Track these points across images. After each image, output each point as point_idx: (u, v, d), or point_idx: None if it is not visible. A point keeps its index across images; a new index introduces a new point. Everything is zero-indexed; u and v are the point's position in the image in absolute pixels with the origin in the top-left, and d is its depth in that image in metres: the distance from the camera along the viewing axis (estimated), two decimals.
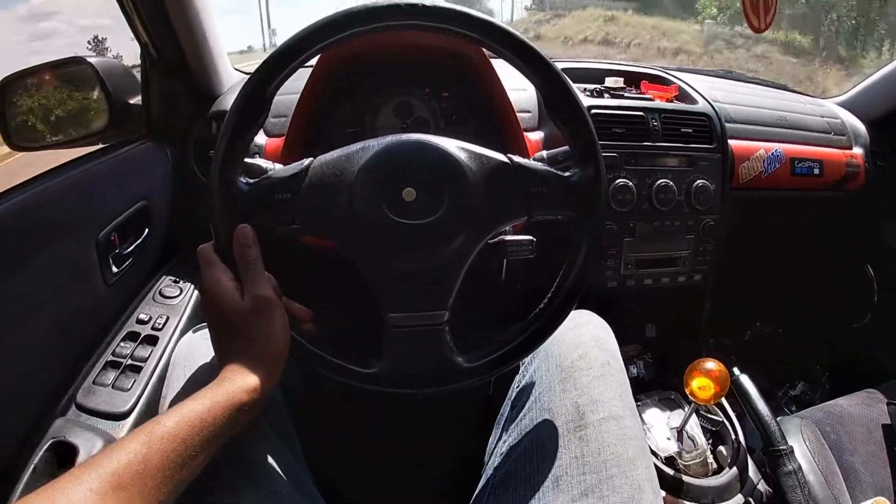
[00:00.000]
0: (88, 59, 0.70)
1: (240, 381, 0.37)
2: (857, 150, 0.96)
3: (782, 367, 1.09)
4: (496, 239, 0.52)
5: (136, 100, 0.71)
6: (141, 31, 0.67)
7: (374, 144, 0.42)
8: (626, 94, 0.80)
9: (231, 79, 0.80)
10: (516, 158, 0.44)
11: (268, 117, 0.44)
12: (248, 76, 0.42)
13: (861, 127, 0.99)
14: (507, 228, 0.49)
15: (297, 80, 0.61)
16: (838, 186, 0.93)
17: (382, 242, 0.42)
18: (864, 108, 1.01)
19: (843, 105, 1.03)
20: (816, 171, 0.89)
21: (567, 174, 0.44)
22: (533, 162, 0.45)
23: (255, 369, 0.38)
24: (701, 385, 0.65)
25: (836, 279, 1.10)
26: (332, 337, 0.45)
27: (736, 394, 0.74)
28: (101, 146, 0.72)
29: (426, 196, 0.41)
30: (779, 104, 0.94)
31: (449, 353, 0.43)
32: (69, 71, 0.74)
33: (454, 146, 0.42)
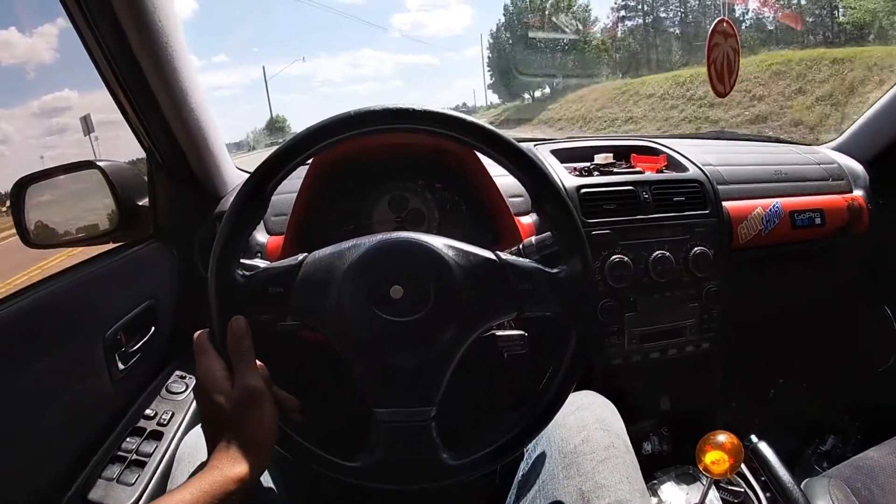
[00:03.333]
0: (98, 164, 0.74)
1: (227, 471, 0.37)
2: (858, 192, 0.95)
3: (811, 422, 1.05)
4: (488, 334, 0.52)
5: (144, 201, 0.74)
6: (145, 139, 0.70)
7: (365, 242, 0.43)
8: (615, 170, 0.80)
9: (234, 180, 0.82)
10: (504, 255, 0.44)
11: (266, 214, 0.45)
12: (251, 174, 0.44)
13: (859, 168, 0.98)
14: (504, 323, 0.48)
15: (296, 180, 0.64)
16: (843, 232, 0.91)
17: (370, 339, 0.42)
18: (859, 148, 1.01)
19: (838, 149, 1.03)
20: (818, 221, 0.88)
21: (555, 270, 0.44)
22: (520, 259, 0.45)
23: (243, 458, 0.38)
24: (714, 459, 0.63)
25: (855, 325, 1.06)
26: (320, 428, 0.45)
27: (755, 462, 0.71)
28: (110, 246, 0.74)
29: (413, 293, 0.42)
30: (772, 158, 0.95)
31: (434, 450, 0.43)
32: (80, 174, 0.78)
33: (441, 244, 0.43)
